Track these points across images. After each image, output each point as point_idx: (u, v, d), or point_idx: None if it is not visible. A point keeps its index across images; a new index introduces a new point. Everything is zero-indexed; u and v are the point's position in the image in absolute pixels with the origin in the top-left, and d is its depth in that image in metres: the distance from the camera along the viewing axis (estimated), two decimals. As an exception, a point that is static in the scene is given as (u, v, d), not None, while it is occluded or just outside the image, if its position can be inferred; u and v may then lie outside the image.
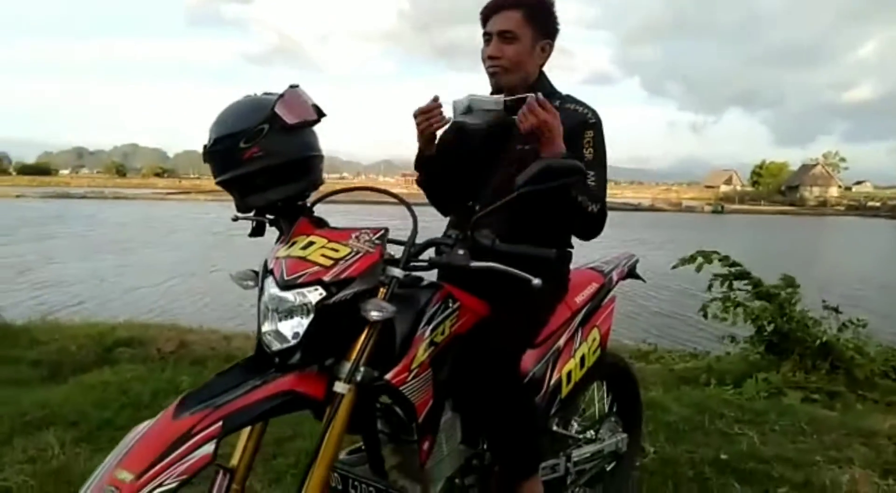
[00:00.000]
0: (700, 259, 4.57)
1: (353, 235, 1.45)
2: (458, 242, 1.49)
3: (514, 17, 1.78)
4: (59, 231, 24.15)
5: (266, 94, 1.63)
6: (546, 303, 1.91)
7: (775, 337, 4.61)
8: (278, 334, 1.36)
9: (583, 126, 1.79)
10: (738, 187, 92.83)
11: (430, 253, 1.59)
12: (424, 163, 1.95)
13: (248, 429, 1.47)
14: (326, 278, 1.35)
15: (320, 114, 1.64)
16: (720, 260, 4.70)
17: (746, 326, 4.70)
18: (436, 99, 1.78)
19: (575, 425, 2.24)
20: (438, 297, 1.62)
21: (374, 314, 1.34)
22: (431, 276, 1.72)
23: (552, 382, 1.95)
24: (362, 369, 1.38)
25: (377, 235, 1.46)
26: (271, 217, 1.66)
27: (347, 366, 1.37)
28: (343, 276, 1.36)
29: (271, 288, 1.39)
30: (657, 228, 29.75)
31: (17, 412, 3.18)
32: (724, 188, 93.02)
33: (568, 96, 1.91)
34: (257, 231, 1.72)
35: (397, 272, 1.44)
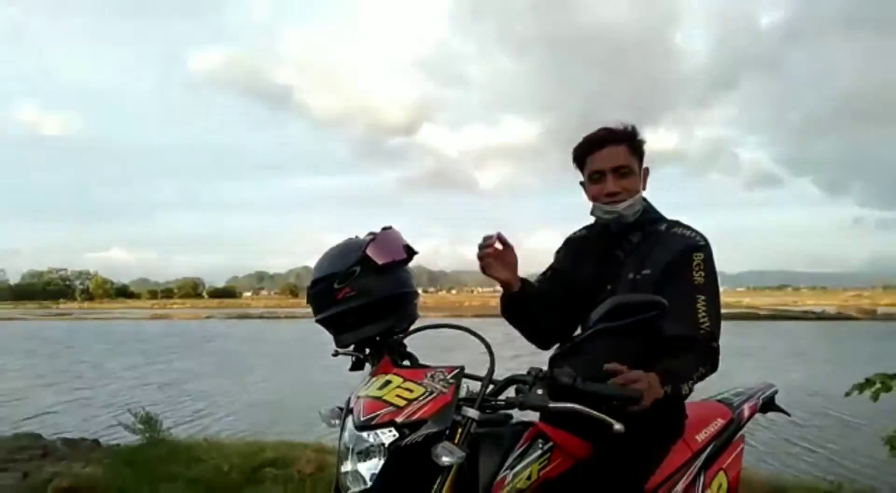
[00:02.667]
0: (878, 384, 3.94)
1: (429, 375, 1.46)
2: (538, 380, 1.45)
3: (622, 151, 1.81)
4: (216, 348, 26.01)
5: (370, 234, 1.76)
6: (658, 443, 1.75)
7: None
8: (356, 475, 1.37)
9: (692, 249, 1.75)
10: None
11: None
12: (506, 300, 1.90)
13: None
14: (399, 420, 1.36)
15: (411, 253, 1.73)
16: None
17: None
18: (490, 237, 1.78)
19: None
20: (527, 437, 1.56)
21: (445, 459, 1.31)
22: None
23: (671, 533, 1.75)
24: (438, 516, 1.34)
25: (451, 374, 1.46)
26: (368, 352, 1.73)
27: None
28: (415, 417, 1.36)
29: (349, 427, 1.42)
30: (843, 342, 26.37)
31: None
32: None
33: (675, 222, 1.87)
34: (357, 365, 1.78)
35: (472, 413, 1.42)
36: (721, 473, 1.90)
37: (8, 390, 13.94)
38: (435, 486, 1.36)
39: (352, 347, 1.74)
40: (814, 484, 4.99)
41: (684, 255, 1.73)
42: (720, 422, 2.00)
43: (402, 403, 1.39)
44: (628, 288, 1.74)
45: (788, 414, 2.28)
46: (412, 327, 1.72)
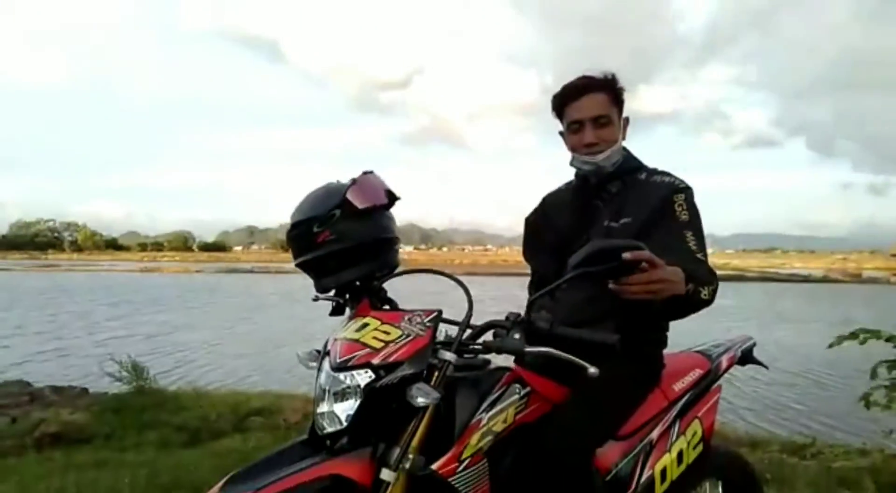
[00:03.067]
0: (863, 336, 3.99)
1: (406, 318, 1.45)
2: (515, 325, 1.44)
3: (602, 100, 1.77)
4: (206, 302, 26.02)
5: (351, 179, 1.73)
6: (632, 391, 1.77)
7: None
8: (332, 416, 1.38)
9: (673, 192, 1.74)
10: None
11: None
12: None
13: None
14: (375, 361, 1.36)
15: (392, 198, 1.70)
16: (887, 340, 4.09)
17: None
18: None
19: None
20: (504, 381, 1.56)
21: (420, 400, 1.32)
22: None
23: (642, 479, 1.77)
24: (411, 456, 1.35)
25: (429, 317, 1.45)
26: (348, 297, 1.72)
27: (396, 453, 1.35)
28: (392, 359, 1.36)
29: (326, 369, 1.42)
30: (827, 303, 26.74)
31: (152, 473, 3.46)
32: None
33: (655, 170, 1.86)
34: (337, 311, 1.78)
35: (449, 356, 1.42)
36: (696, 421, 1.92)
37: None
38: (410, 427, 1.36)
39: (332, 292, 1.73)
40: (789, 439, 5.12)
41: (666, 199, 1.72)
42: (698, 372, 2.02)
43: (378, 345, 1.39)
44: (602, 236, 1.73)
45: (766, 367, 2.30)
46: (393, 273, 1.70)
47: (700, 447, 1.91)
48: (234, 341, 14.02)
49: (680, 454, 1.86)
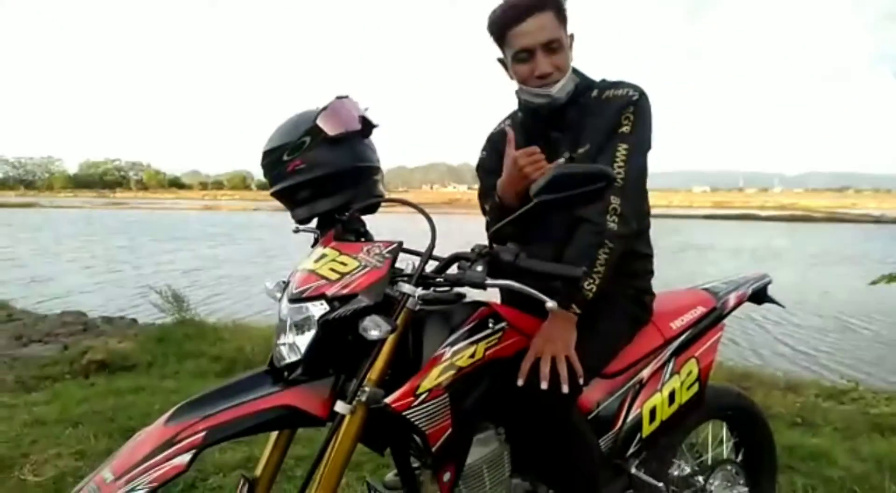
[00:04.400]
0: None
1: (365, 249, 1.40)
2: (480, 256, 1.38)
3: (550, 20, 1.57)
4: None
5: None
6: (617, 327, 1.70)
7: None
8: (292, 347, 1.36)
9: (624, 105, 1.61)
10: None
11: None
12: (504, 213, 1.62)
13: (272, 441, 1.50)
14: (330, 293, 1.32)
15: (368, 125, 1.62)
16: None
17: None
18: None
19: (677, 471, 1.96)
20: (476, 316, 1.51)
21: (373, 332, 1.28)
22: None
23: (629, 418, 1.72)
24: (367, 389, 1.32)
25: (388, 248, 1.40)
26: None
27: (353, 385, 1.33)
28: (346, 291, 1.32)
29: (284, 300, 1.39)
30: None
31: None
32: None
33: (606, 82, 1.70)
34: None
35: (408, 289, 1.37)
36: (692, 360, 1.84)
37: (52, 271, 14.74)
38: (367, 360, 1.33)
39: (314, 223, 1.69)
40: (831, 384, 4.95)
41: (618, 115, 1.60)
42: (700, 310, 1.92)
43: (334, 276, 1.35)
44: None
45: (782, 306, 2.17)
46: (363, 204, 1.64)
47: (695, 387, 1.84)
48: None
49: (672, 394, 1.79)
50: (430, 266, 1.46)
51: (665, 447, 1.88)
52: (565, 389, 1.43)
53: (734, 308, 2.01)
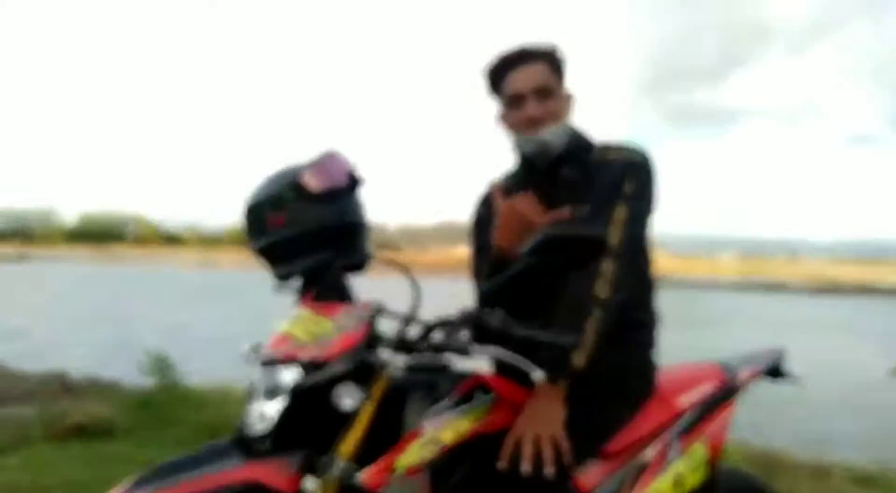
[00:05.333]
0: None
1: (342, 311, 1.38)
2: (466, 321, 1.35)
3: (543, 69, 1.65)
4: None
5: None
6: (615, 403, 1.64)
7: None
8: (262, 416, 1.33)
9: (626, 167, 1.62)
10: None
11: None
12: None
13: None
14: (302, 357, 1.30)
15: (355, 180, 1.63)
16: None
17: None
18: None
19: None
20: (462, 387, 1.47)
21: (347, 402, 1.25)
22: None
23: (630, 504, 1.65)
24: (341, 464, 1.28)
25: (367, 310, 1.37)
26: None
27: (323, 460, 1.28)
28: (320, 356, 1.30)
29: (258, 364, 1.37)
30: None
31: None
32: None
33: (609, 146, 1.72)
34: None
35: (387, 355, 1.34)
36: (700, 440, 1.78)
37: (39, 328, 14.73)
38: (342, 433, 1.29)
39: (301, 283, 1.68)
40: (860, 466, 4.76)
41: (619, 174, 1.61)
42: (710, 385, 1.87)
43: (308, 339, 1.33)
44: None
45: (802, 382, 2.11)
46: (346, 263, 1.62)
47: (703, 470, 1.76)
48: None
49: (678, 478, 1.72)
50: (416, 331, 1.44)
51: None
52: (550, 471, 1.37)
53: (747, 384, 1.96)
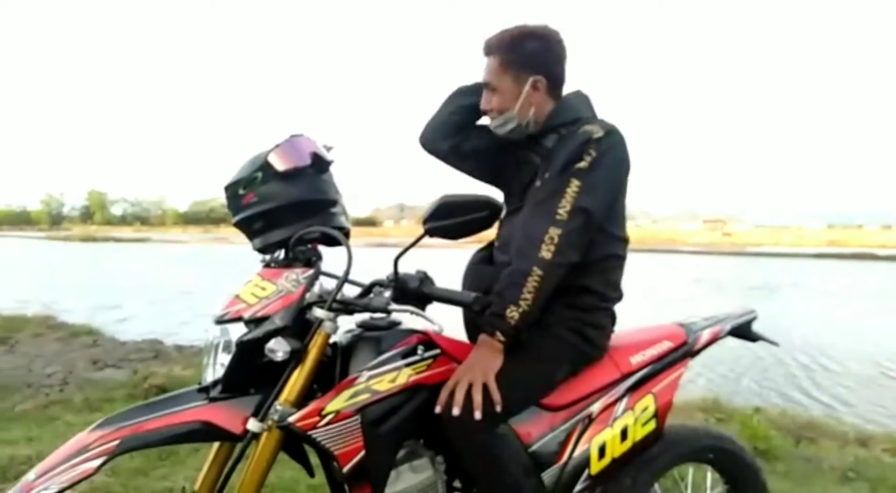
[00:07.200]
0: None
1: (284, 275, 1.51)
2: (390, 283, 1.46)
3: (493, 65, 1.74)
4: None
5: None
6: (555, 358, 1.69)
7: None
8: (217, 367, 1.49)
9: (587, 141, 1.62)
10: None
11: None
12: None
13: (210, 454, 1.61)
14: (246, 315, 1.44)
15: (320, 161, 1.74)
16: None
17: None
18: None
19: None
20: (403, 342, 1.57)
21: (278, 353, 1.38)
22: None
23: (575, 453, 1.71)
24: (279, 408, 1.42)
25: (305, 274, 1.50)
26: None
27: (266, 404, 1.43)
28: (260, 314, 1.44)
29: (213, 322, 1.53)
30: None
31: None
32: None
33: (592, 119, 1.73)
34: None
35: (321, 314, 1.46)
36: (649, 396, 1.80)
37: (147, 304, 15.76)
38: (280, 381, 1.43)
39: (279, 253, 1.82)
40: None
41: (579, 148, 1.61)
42: (667, 345, 1.88)
43: (253, 300, 1.47)
44: (534, 194, 1.68)
45: (775, 343, 2.07)
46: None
47: (651, 424, 1.80)
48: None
49: (624, 430, 1.76)
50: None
51: (628, 488, 1.84)
52: (477, 415, 1.45)
53: (707, 345, 1.96)
